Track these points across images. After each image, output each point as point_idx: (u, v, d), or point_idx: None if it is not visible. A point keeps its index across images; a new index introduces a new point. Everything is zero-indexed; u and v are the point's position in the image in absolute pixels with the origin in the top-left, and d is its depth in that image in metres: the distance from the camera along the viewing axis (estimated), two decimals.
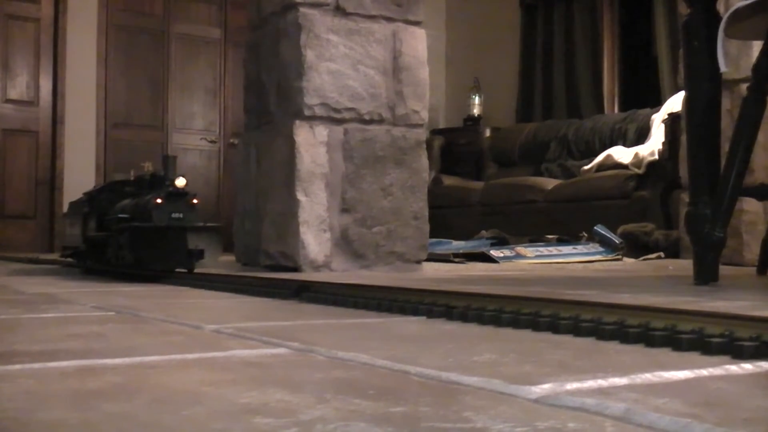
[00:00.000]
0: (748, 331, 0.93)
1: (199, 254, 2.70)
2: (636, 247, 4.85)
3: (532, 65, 7.90)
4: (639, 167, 5.67)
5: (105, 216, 3.09)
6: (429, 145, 5.95)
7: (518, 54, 8.01)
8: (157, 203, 2.70)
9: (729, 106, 3.67)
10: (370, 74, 3.38)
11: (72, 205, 3.74)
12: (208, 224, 2.82)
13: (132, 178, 3.27)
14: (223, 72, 8.14)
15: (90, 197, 3.32)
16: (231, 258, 3.69)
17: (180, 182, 2.74)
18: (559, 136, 6.98)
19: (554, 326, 1.14)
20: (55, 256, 5.24)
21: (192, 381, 0.80)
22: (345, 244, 3.26)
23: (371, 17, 3.42)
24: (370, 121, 3.38)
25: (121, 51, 7.69)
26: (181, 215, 2.71)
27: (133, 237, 2.69)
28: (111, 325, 1.36)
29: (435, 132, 7.94)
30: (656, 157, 5.56)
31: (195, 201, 2.77)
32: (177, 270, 2.71)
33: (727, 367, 0.84)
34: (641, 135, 6.13)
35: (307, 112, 3.24)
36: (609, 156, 6.04)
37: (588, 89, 7.45)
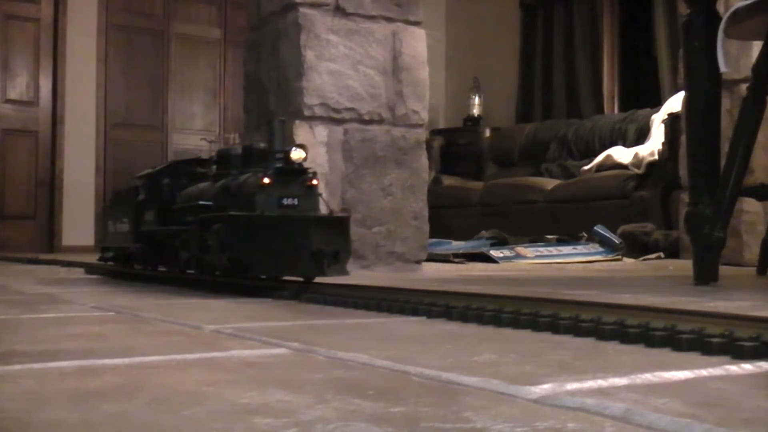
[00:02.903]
0: (748, 331, 0.93)
1: (333, 256, 1.94)
2: (636, 247, 4.85)
3: (532, 65, 7.90)
4: (639, 167, 5.67)
5: (170, 205, 2.44)
6: (429, 145, 5.96)
7: (518, 54, 8.02)
8: (264, 184, 1.97)
9: (729, 106, 3.67)
10: (369, 74, 3.38)
11: (117, 194, 3.05)
12: (337, 214, 2.11)
13: (211, 155, 2.48)
14: (223, 72, 8.14)
15: (147, 181, 2.61)
16: None
17: (296, 154, 1.98)
18: (559, 136, 6.98)
19: (554, 326, 1.14)
20: (54, 256, 5.24)
21: (192, 381, 0.80)
22: None
23: (371, 17, 3.42)
24: (370, 122, 3.38)
25: (121, 51, 7.70)
26: (295, 201, 1.99)
27: (229, 231, 1.95)
28: (111, 325, 1.36)
29: (435, 132, 7.94)
30: (656, 157, 5.56)
31: (315, 182, 2.04)
32: (285, 278, 2.01)
33: (727, 367, 0.84)
34: (641, 135, 6.13)
35: (306, 113, 3.24)
36: (609, 156, 6.04)
37: (588, 89, 7.46)
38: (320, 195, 2.06)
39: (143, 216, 2.58)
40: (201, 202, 2.19)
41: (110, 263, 3.06)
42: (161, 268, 2.62)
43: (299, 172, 2.01)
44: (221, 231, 1.98)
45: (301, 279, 1.96)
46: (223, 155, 2.34)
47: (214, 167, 2.35)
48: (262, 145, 2.19)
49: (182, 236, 2.28)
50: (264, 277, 1.99)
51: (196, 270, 2.22)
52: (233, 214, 1.97)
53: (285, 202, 1.98)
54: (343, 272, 1.95)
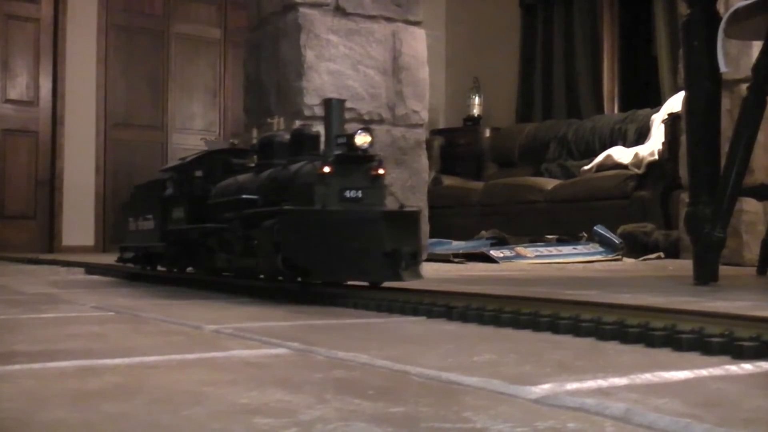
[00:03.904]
0: (748, 331, 0.93)
1: (411, 258, 1.67)
2: (636, 247, 4.85)
3: (532, 65, 7.90)
4: (639, 167, 5.67)
5: (203, 200, 2.19)
6: (429, 145, 5.95)
7: (518, 54, 8.02)
8: (324, 173, 1.70)
9: (729, 106, 3.67)
10: (370, 74, 3.38)
11: (139, 189, 2.79)
12: (407, 209, 1.80)
13: (253, 141, 2.16)
14: (223, 72, 8.15)
15: (176, 174, 2.36)
16: None
17: (362, 138, 1.71)
18: (559, 136, 6.99)
19: (554, 326, 1.14)
20: (54, 256, 5.24)
21: (192, 381, 0.80)
22: None
23: (371, 17, 3.42)
24: (370, 121, 3.38)
25: (121, 51, 7.70)
26: (359, 194, 1.73)
27: (285, 229, 1.69)
28: (111, 325, 1.35)
29: (435, 132, 7.94)
30: (656, 157, 5.57)
31: (381, 171, 1.76)
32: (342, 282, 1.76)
33: (727, 367, 0.84)
34: (641, 135, 6.13)
35: (306, 112, 3.24)
36: (609, 156, 6.04)
37: (588, 89, 7.46)
38: (387, 186, 1.81)
39: (171, 212, 2.34)
40: (244, 196, 1.92)
41: (129, 264, 2.86)
42: (189, 270, 2.43)
43: (363, 159, 1.73)
44: (275, 229, 1.70)
45: (366, 284, 1.73)
46: (267, 143, 2.04)
47: (255, 157, 2.09)
48: (314, 129, 1.96)
49: (221, 235, 2.03)
50: (319, 281, 1.74)
51: (236, 273, 1.99)
52: (291, 209, 1.70)
53: (348, 194, 1.72)
54: (419, 275, 1.70)
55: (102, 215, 7.43)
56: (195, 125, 8.04)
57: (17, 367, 0.88)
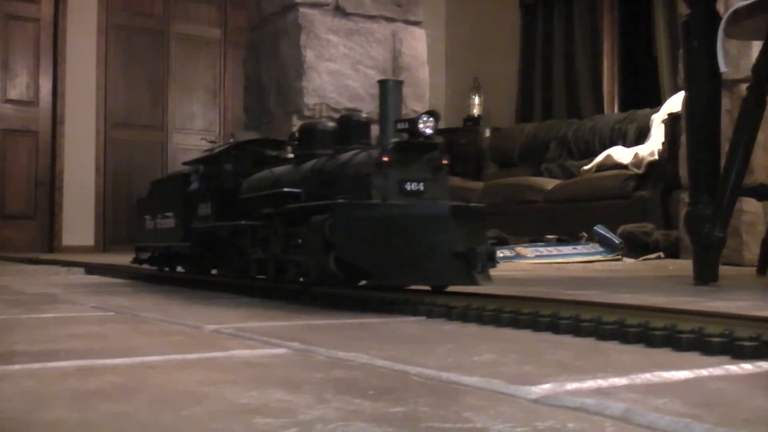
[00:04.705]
0: (748, 331, 0.94)
1: (488, 259, 1.48)
2: (636, 247, 4.84)
3: (532, 65, 7.90)
4: (639, 167, 5.67)
5: (234, 195, 2.01)
6: None
7: (518, 54, 8.02)
8: (383, 162, 1.53)
9: (729, 106, 3.67)
10: (370, 74, 3.38)
11: (157, 184, 2.64)
12: (473, 203, 1.61)
13: (292, 129, 1.95)
14: (223, 72, 8.15)
15: (202, 165, 2.17)
16: None
17: (425, 124, 1.54)
18: (559, 136, 6.99)
19: (554, 326, 1.14)
20: (54, 256, 5.24)
21: (192, 381, 0.80)
22: None
23: (371, 17, 3.42)
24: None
25: (121, 51, 7.70)
26: (421, 186, 1.56)
27: (340, 226, 1.49)
28: (111, 325, 1.35)
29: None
30: (656, 157, 5.56)
31: (445, 162, 1.60)
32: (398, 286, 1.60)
33: (727, 367, 0.84)
34: (641, 135, 6.13)
35: (306, 112, 3.24)
36: (609, 156, 6.04)
37: (588, 89, 7.46)
38: (449, 178, 1.65)
39: (196, 209, 2.15)
40: (286, 189, 1.74)
41: (146, 265, 2.69)
42: (214, 272, 2.27)
43: (426, 147, 1.56)
44: (327, 225, 1.49)
45: (428, 288, 1.58)
46: (309, 131, 1.84)
47: (290, 147, 1.91)
48: (364, 115, 1.80)
49: (257, 233, 1.84)
50: (378, 285, 1.56)
51: (274, 275, 1.80)
52: (346, 203, 1.50)
53: (408, 187, 1.54)
54: (490, 279, 1.52)
55: (102, 215, 7.43)
56: (195, 125, 8.04)
57: (17, 367, 0.88)
